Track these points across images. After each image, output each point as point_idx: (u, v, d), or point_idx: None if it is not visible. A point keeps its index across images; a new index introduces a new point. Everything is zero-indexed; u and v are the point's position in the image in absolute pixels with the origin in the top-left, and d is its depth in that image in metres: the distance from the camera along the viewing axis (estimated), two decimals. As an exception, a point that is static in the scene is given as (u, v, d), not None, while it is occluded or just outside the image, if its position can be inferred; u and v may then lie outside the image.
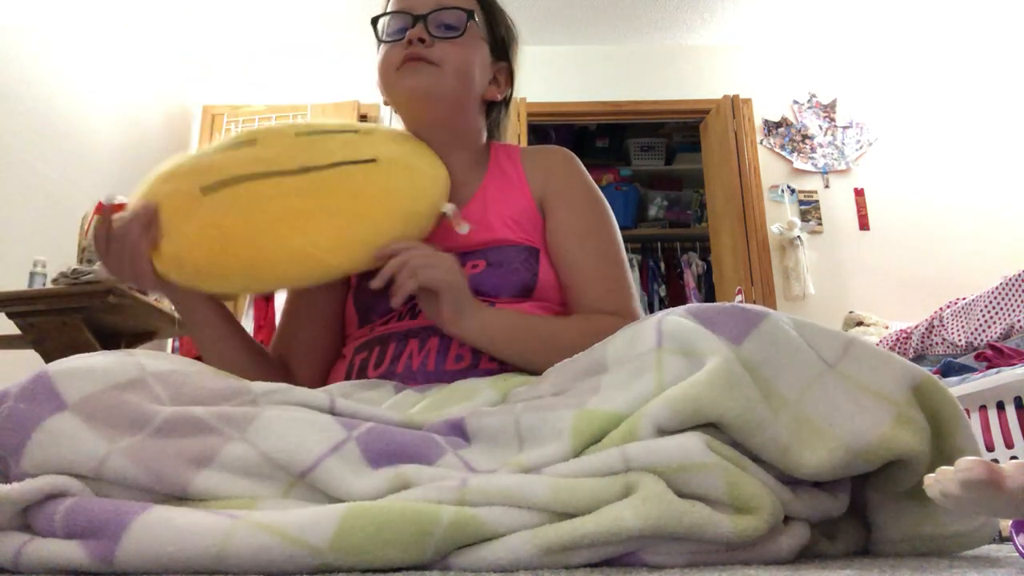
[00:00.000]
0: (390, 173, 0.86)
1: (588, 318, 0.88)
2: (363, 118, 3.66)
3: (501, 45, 1.00)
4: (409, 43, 0.90)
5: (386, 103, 0.98)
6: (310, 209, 0.80)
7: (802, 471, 0.51)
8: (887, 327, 3.09)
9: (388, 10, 0.96)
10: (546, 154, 1.01)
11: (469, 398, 0.68)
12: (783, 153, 3.78)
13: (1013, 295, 2.09)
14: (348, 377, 0.86)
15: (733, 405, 0.50)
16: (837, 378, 0.55)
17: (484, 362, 0.83)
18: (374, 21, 0.97)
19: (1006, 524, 0.51)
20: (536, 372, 0.77)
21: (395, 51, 0.92)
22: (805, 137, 3.81)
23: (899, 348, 2.53)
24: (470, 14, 0.94)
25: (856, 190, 3.73)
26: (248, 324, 3.32)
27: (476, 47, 0.95)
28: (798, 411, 0.53)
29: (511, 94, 1.05)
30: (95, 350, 1.03)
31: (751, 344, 0.55)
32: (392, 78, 0.93)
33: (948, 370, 1.92)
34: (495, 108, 1.04)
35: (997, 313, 2.13)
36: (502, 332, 0.82)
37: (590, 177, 1.00)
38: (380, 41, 0.97)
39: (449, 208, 0.87)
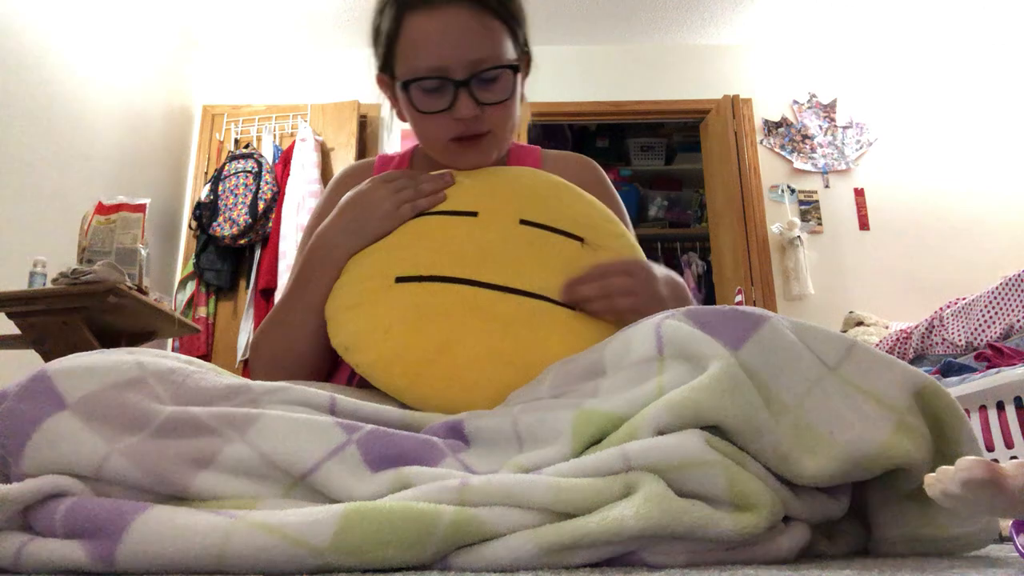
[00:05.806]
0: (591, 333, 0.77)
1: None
2: (363, 118, 3.66)
3: (524, 46, 0.96)
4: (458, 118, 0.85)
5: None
6: (488, 343, 0.74)
7: (802, 478, 0.51)
8: (887, 327, 3.09)
9: (418, 64, 0.84)
10: (574, 164, 1.00)
11: None
12: (783, 153, 3.78)
13: (1013, 295, 2.09)
14: (352, 375, 0.85)
15: (734, 411, 0.50)
16: (838, 383, 0.55)
17: None
18: (405, 85, 0.85)
19: (1006, 524, 0.51)
20: None
21: (440, 123, 0.86)
22: (805, 137, 3.80)
23: (899, 348, 2.52)
24: (514, 68, 0.87)
25: (856, 190, 3.73)
26: (248, 325, 3.31)
27: (518, 94, 0.91)
28: (798, 417, 0.53)
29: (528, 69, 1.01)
30: (95, 350, 1.03)
31: (750, 348, 0.55)
32: (446, 154, 0.90)
33: (948, 370, 1.92)
34: None
35: (997, 313, 2.13)
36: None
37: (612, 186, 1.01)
38: (414, 107, 0.86)
39: None
